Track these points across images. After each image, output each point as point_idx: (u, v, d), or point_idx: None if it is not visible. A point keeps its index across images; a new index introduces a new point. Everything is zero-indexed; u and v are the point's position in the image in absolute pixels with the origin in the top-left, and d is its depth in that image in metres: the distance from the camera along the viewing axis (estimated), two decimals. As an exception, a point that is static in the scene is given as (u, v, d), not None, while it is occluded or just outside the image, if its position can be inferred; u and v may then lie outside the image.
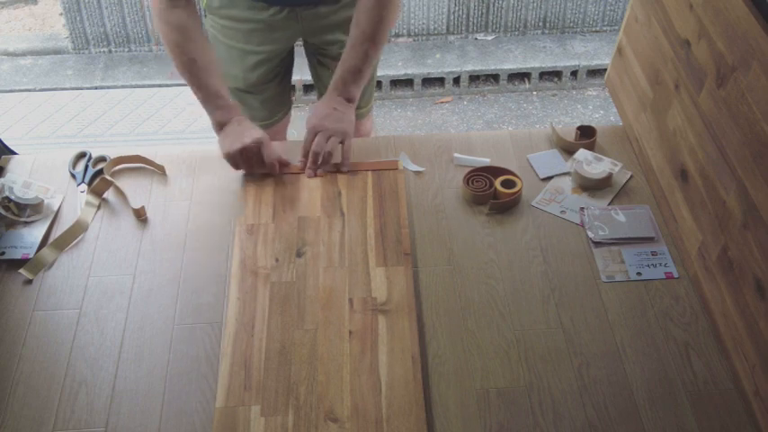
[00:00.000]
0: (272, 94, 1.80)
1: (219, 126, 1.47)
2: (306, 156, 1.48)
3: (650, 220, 1.39)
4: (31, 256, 1.33)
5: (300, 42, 1.77)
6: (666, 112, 1.38)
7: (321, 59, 1.77)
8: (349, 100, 1.50)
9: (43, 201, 1.41)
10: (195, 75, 1.45)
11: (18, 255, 1.33)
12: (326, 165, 1.47)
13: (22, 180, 1.42)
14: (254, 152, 1.44)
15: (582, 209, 1.41)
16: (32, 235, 1.37)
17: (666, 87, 1.38)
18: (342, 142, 1.47)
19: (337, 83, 1.50)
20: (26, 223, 1.39)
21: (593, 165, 1.46)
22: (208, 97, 1.46)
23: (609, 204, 1.42)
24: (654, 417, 1.12)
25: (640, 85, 1.49)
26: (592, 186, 1.44)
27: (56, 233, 1.37)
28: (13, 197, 1.38)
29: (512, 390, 1.15)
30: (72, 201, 1.44)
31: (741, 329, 1.13)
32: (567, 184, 1.46)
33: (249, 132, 1.44)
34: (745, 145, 1.11)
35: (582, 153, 1.49)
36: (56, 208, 1.42)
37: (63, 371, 1.18)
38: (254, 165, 1.46)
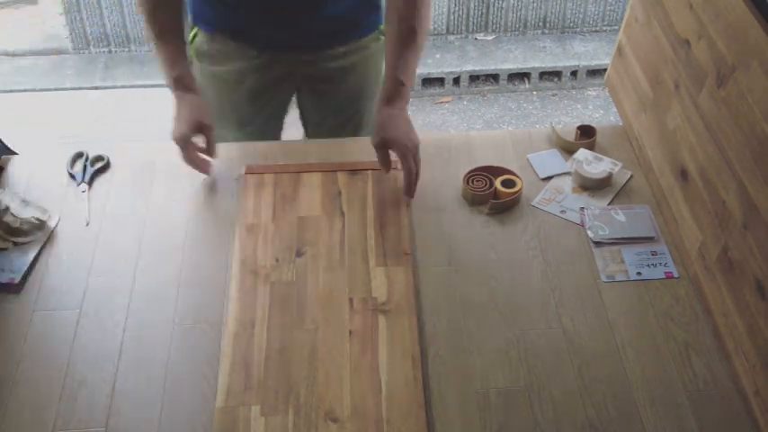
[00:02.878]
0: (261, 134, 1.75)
1: (177, 84, 1.43)
2: (386, 166, 1.41)
3: (650, 219, 1.39)
4: (17, 281, 1.29)
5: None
6: (666, 112, 1.38)
7: (314, 87, 1.70)
8: (402, 108, 1.40)
9: (39, 222, 1.37)
10: (162, 33, 1.43)
11: (4, 279, 1.29)
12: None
13: (20, 199, 1.39)
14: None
15: (582, 209, 1.41)
16: (21, 260, 1.32)
17: (666, 87, 1.38)
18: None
19: (391, 85, 1.39)
20: (17, 245, 1.34)
21: (593, 165, 1.46)
22: (171, 54, 1.43)
23: (609, 204, 1.42)
24: (654, 417, 1.12)
25: (640, 85, 1.49)
26: (592, 186, 1.45)
27: (48, 255, 1.34)
28: (8, 219, 1.33)
29: (512, 390, 1.15)
30: (72, 202, 1.44)
31: (741, 329, 1.13)
32: (567, 183, 1.46)
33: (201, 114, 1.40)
34: (745, 145, 1.11)
35: (582, 153, 1.49)
36: (51, 229, 1.38)
37: (63, 371, 1.18)
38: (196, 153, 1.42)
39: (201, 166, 1.43)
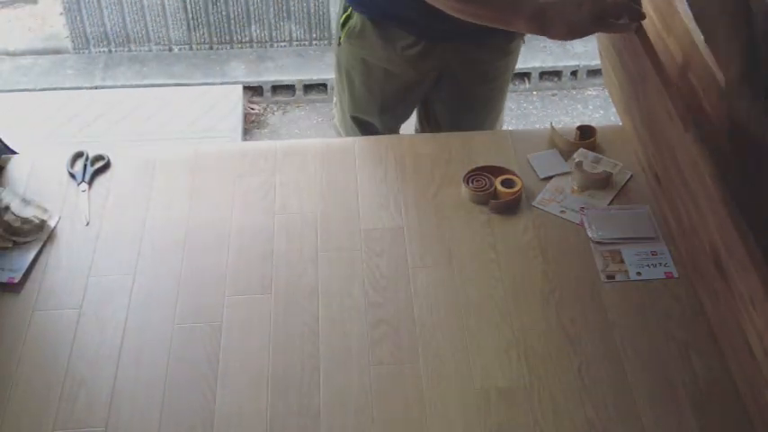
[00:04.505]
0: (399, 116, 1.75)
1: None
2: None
3: (650, 219, 1.39)
4: (17, 280, 1.29)
5: None
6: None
7: (457, 83, 1.66)
8: None
9: (39, 222, 1.37)
10: None
11: (3, 278, 1.29)
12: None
13: (20, 198, 1.39)
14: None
15: (582, 208, 1.41)
16: (21, 259, 1.32)
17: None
18: None
19: None
20: (17, 244, 1.34)
21: (593, 164, 1.46)
22: None
23: (609, 204, 1.42)
24: (654, 417, 1.12)
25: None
26: (592, 186, 1.44)
27: (48, 255, 1.34)
28: (8, 218, 1.33)
29: (512, 390, 1.15)
30: (72, 202, 1.44)
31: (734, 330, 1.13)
32: (567, 183, 1.46)
33: None
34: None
35: (582, 153, 1.49)
36: (51, 228, 1.38)
37: (63, 371, 1.18)
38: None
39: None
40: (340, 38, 1.61)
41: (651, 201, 1.43)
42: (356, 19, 1.57)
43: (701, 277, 1.24)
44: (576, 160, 1.47)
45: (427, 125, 1.80)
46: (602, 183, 1.45)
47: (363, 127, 1.74)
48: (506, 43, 1.61)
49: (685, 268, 1.30)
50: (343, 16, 1.59)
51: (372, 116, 1.71)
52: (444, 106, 1.73)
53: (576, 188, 1.45)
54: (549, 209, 1.42)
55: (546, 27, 1.27)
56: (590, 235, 1.36)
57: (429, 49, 1.55)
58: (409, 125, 1.85)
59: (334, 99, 1.79)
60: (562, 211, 1.41)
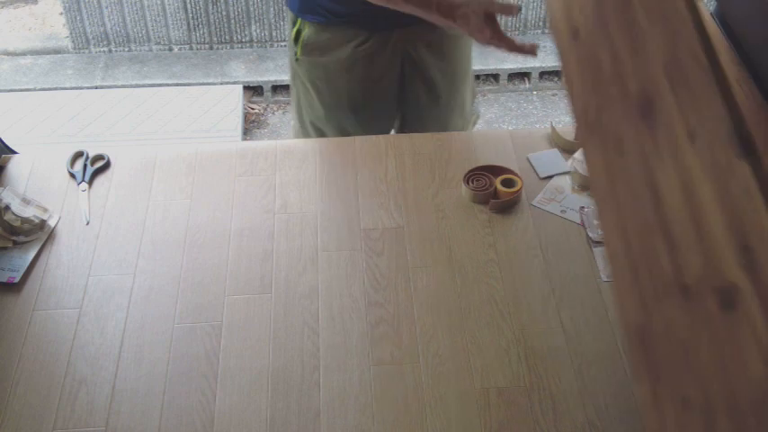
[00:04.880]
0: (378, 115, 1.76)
1: None
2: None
3: (650, 219, 1.39)
4: (17, 279, 1.29)
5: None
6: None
7: (420, 69, 1.70)
8: None
9: (39, 221, 1.37)
10: None
11: (4, 278, 1.29)
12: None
13: (20, 198, 1.39)
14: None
15: (582, 208, 1.41)
16: (21, 259, 1.33)
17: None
18: None
19: None
20: (18, 244, 1.34)
21: None
22: None
23: None
24: (654, 416, 1.12)
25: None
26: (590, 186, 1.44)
27: (48, 255, 1.35)
28: (9, 217, 1.33)
29: (512, 390, 1.15)
30: (72, 201, 1.44)
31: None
32: (567, 183, 1.46)
33: None
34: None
35: (582, 152, 1.49)
36: (51, 228, 1.38)
37: (63, 370, 1.18)
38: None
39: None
40: (296, 53, 1.65)
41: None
42: (308, 29, 1.61)
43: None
44: (577, 159, 1.47)
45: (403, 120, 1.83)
46: None
47: (340, 130, 1.75)
48: None
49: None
50: (294, 30, 1.63)
51: (347, 119, 1.72)
52: (410, 99, 1.76)
53: (576, 188, 1.45)
54: (548, 208, 1.42)
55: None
56: (590, 235, 1.36)
57: (383, 40, 1.60)
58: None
59: (293, 110, 1.81)
60: (562, 211, 1.41)
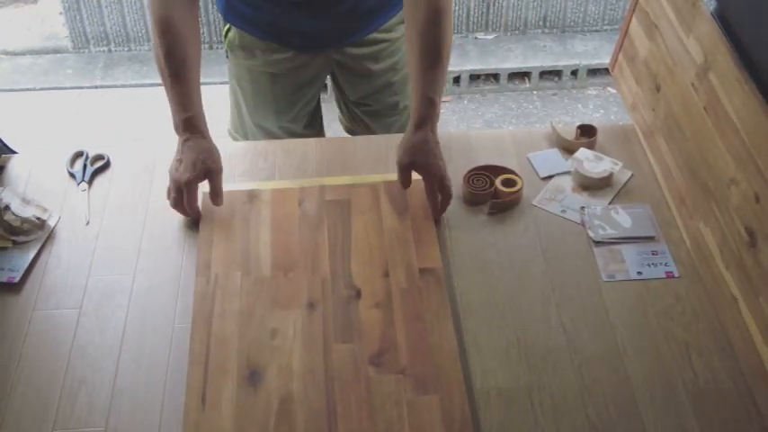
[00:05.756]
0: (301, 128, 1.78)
1: (186, 125, 1.35)
2: (405, 185, 1.38)
3: (651, 219, 1.39)
4: (17, 279, 1.29)
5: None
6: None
7: (357, 113, 1.73)
8: (433, 130, 1.37)
9: (39, 221, 1.37)
10: (179, 69, 1.33)
11: (3, 278, 1.29)
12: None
13: (20, 198, 1.38)
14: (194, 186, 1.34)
15: (582, 208, 1.41)
16: (21, 258, 1.32)
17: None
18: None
19: (421, 105, 1.35)
20: (17, 244, 1.34)
21: (593, 164, 1.46)
22: (183, 93, 1.34)
23: (609, 204, 1.42)
24: (654, 416, 1.12)
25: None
26: (592, 186, 1.44)
27: (48, 255, 1.34)
28: (8, 217, 1.33)
29: (512, 390, 1.15)
30: (72, 201, 1.44)
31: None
32: (567, 183, 1.46)
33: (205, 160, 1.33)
34: None
35: (582, 152, 1.49)
36: (51, 228, 1.38)
37: (63, 370, 1.17)
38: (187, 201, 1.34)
39: (194, 214, 1.36)
40: (226, 50, 1.66)
41: (652, 200, 1.43)
42: (234, 32, 1.62)
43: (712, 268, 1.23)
44: (577, 159, 1.47)
45: (350, 124, 1.86)
46: (603, 182, 1.44)
47: (266, 134, 1.76)
48: (375, 36, 1.64)
49: (685, 266, 1.30)
50: (225, 28, 1.64)
51: (268, 120, 1.73)
52: (345, 98, 1.77)
53: (576, 187, 1.45)
54: (549, 208, 1.42)
55: None
56: (590, 235, 1.36)
57: (308, 57, 1.61)
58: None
59: (230, 105, 1.83)
60: (563, 211, 1.41)
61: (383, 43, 1.66)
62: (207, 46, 3.48)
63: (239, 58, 1.65)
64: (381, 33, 1.65)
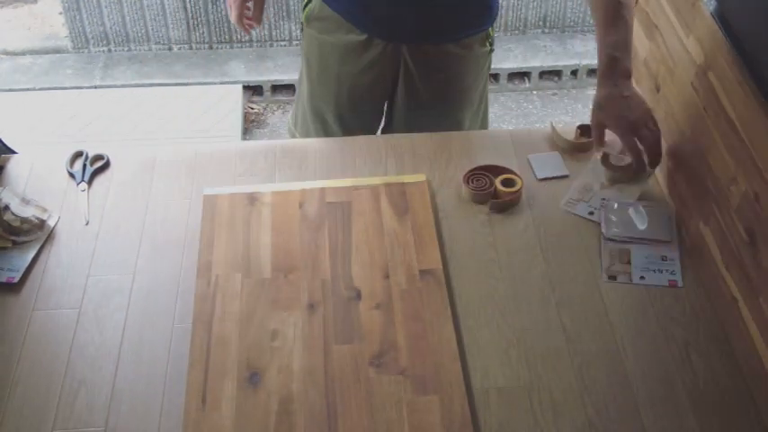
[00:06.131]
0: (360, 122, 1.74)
1: None
2: (598, 144, 1.36)
3: (669, 221, 1.36)
4: (16, 280, 1.29)
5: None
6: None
7: (413, 82, 1.66)
8: (629, 77, 1.33)
9: (39, 221, 1.36)
10: None
11: (3, 278, 1.29)
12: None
13: (20, 198, 1.38)
14: None
15: (603, 200, 1.39)
16: (21, 259, 1.32)
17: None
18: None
19: (605, 62, 1.35)
20: (17, 244, 1.33)
21: (619, 156, 1.41)
22: None
23: (637, 199, 1.39)
24: (654, 416, 1.12)
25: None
26: (620, 179, 1.41)
27: (48, 255, 1.34)
28: (8, 217, 1.33)
29: (512, 390, 1.15)
30: (71, 201, 1.44)
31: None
32: (594, 179, 1.43)
33: None
34: None
35: (608, 146, 1.42)
36: (50, 228, 1.37)
37: (62, 370, 1.17)
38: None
39: (246, 27, 1.68)
40: (303, 23, 1.66)
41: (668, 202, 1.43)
42: (315, 3, 1.62)
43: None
44: (603, 153, 1.44)
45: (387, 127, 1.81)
46: (628, 170, 1.39)
47: (322, 122, 1.73)
48: (452, 46, 1.62)
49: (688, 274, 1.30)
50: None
51: (327, 104, 1.70)
52: (404, 108, 1.72)
53: (605, 182, 1.43)
54: (577, 211, 1.40)
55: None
56: (603, 231, 1.35)
57: (381, 47, 1.59)
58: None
59: (295, 97, 1.82)
60: (590, 213, 1.38)
61: (455, 56, 1.63)
62: (207, 46, 3.48)
63: (313, 31, 1.64)
64: (458, 47, 1.63)
